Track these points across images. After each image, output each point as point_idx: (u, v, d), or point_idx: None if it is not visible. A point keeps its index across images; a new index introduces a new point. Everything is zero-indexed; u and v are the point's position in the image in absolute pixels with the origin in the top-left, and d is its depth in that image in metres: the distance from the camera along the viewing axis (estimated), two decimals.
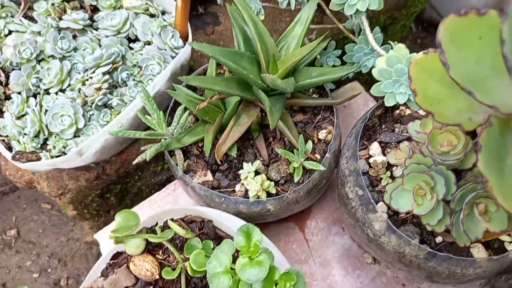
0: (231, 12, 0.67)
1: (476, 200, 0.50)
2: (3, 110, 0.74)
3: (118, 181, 0.88)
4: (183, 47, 0.78)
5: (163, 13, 0.82)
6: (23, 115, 0.72)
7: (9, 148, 0.72)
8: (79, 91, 0.71)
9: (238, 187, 0.67)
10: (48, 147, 0.71)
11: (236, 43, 0.69)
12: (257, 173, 0.66)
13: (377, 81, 0.63)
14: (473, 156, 0.54)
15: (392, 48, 0.69)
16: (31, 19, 0.79)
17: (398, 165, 0.62)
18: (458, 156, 0.51)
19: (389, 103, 0.62)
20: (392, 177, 0.64)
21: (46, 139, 0.72)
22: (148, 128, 0.73)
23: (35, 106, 0.71)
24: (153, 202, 0.86)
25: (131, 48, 0.77)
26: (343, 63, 0.78)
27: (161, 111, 0.62)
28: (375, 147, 0.67)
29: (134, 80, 0.75)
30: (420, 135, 0.58)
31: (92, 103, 0.70)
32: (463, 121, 0.46)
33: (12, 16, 0.78)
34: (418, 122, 0.59)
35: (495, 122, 0.41)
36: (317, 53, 0.74)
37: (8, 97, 0.74)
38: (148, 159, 0.60)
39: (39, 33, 0.75)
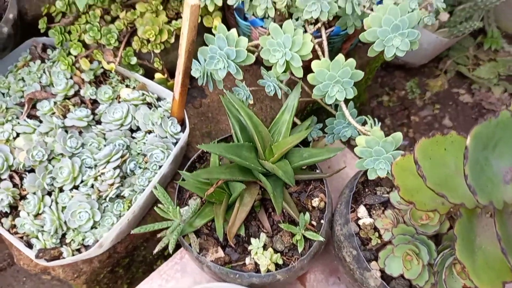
0: (225, 104, 0.77)
1: (453, 262, 0.61)
2: (19, 209, 0.78)
3: (126, 256, 0.94)
4: (181, 131, 0.86)
5: (158, 99, 0.90)
6: (39, 214, 0.77)
7: (29, 245, 0.77)
8: (92, 187, 0.77)
9: (248, 260, 0.75)
10: (67, 241, 0.77)
11: (233, 131, 0.78)
12: (264, 245, 0.75)
13: None
14: (447, 223, 0.65)
15: (366, 123, 0.80)
16: (36, 117, 0.85)
17: (385, 229, 0.72)
18: (436, 227, 0.62)
19: (371, 176, 0.73)
20: (380, 237, 0.75)
21: (64, 234, 0.77)
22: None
23: (51, 204, 0.77)
24: (163, 272, 0.92)
25: (133, 138, 0.84)
26: (324, 132, 0.88)
27: (177, 207, 0.69)
28: (362, 210, 0.78)
29: (140, 167, 0.82)
30: (401, 206, 0.69)
31: (106, 197, 0.77)
32: (438, 206, 0.57)
33: (17, 118, 0.83)
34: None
35: (464, 212, 0.52)
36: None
37: (23, 197, 0.79)
38: (171, 251, 0.68)
39: (46, 133, 0.81)
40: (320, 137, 0.91)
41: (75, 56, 0.87)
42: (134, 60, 0.86)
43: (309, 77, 0.73)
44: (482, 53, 1.67)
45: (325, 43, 0.81)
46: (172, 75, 0.97)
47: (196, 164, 0.86)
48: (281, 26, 0.72)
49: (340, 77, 0.71)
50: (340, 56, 0.71)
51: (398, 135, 0.73)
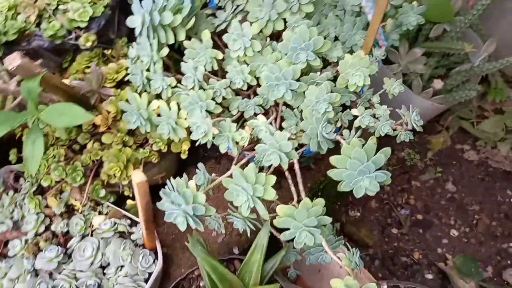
0: (191, 247, 0.74)
1: None
2: None
3: None
4: (155, 259, 0.83)
5: (131, 224, 0.87)
6: None
7: None
8: None
9: None
10: None
11: (202, 272, 0.75)
12: None
13: None
14: None
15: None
16: (7, 257, 0.84)
17: None
18: None
19: None
20: None
21: None
22: None
23: None
24: None
25: (105, 274, 0.82)
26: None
27: None
28: None
29: None
30: None
31: None
32: None
33: None
34: None
35: None
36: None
37: None
38: None
39: (17, 278, 0.80)
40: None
41: (47, 187, 0.86)
42: (103, 193, 0.84)
43: (275, 222, 0.69)
44: (486, 104, 1.58)
45: (296, 167, 0.77)
46: None
47: None
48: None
49: (306, 225, 0.67)
50: (306, 202, 0.67)
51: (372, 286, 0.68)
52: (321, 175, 1.05)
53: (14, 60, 0.61)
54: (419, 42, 1.33)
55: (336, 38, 0.82)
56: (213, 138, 0.74)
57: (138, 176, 0.58)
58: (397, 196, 1.43)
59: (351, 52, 0.84)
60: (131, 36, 0.89)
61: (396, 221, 1.37)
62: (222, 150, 0.74)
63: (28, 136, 0.66)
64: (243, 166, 0.76)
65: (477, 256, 1.29)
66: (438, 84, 1.27)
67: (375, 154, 0.66)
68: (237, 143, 0.74)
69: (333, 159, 0.68)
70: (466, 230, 1.34)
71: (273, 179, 0.69)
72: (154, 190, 0.99)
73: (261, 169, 0.79)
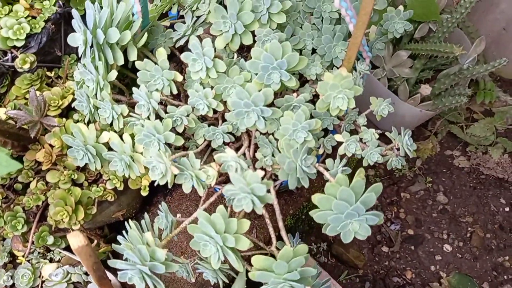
0: None
1: None
2: None
3: None
4: None
5: (87, 272, 0.76)
6: None
7: None
8: None
9: None
10: None
11: None
12: None
13: None
14: None
15: None
16: None
17: None
18: None
19: None
20: None
21: None
22: None
23: None
24: None
25: None
26: None
27: None
28: None
29: None
30: None
31: None
32: None
33: None
34: None
35: None
36: None
37: None
38: None
39: None
40: None
41: None
42: (51, 240, 0.72)
43: (251, 275, 0.59)
44: (475, 105, 1.51)
45: (275, 202, 0.66)
46: (103, 235, 0.83)
47: None
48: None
49: (287, 279, 0.57)
50: (287, 252, 0.57)
51: None
52: (305, 199, 0.95)
53: None
54: (403, 44, 1.23)
55: (314, 51, 0.72)
56: (174, 177, 0.63)
57: (75, 241, 0.47)
58: (386, 210, 1.34)
59: (332, 66, 0.74)
60: None
61: (386, 238, 1.28)
62: (186, 190, 0.63)
63: None
64: (213, 205, 0.65)
65: (473, 272, 1.21)
66: (425, 90, 1.18)
67: (364, 191, 0.56)
68: (202, 182, 0.63)
69: (315, 198, 0.58)
70: (460, 244, 1.26)
71: (246, 224, 0.58)
72: (115, 227, 0.88)
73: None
